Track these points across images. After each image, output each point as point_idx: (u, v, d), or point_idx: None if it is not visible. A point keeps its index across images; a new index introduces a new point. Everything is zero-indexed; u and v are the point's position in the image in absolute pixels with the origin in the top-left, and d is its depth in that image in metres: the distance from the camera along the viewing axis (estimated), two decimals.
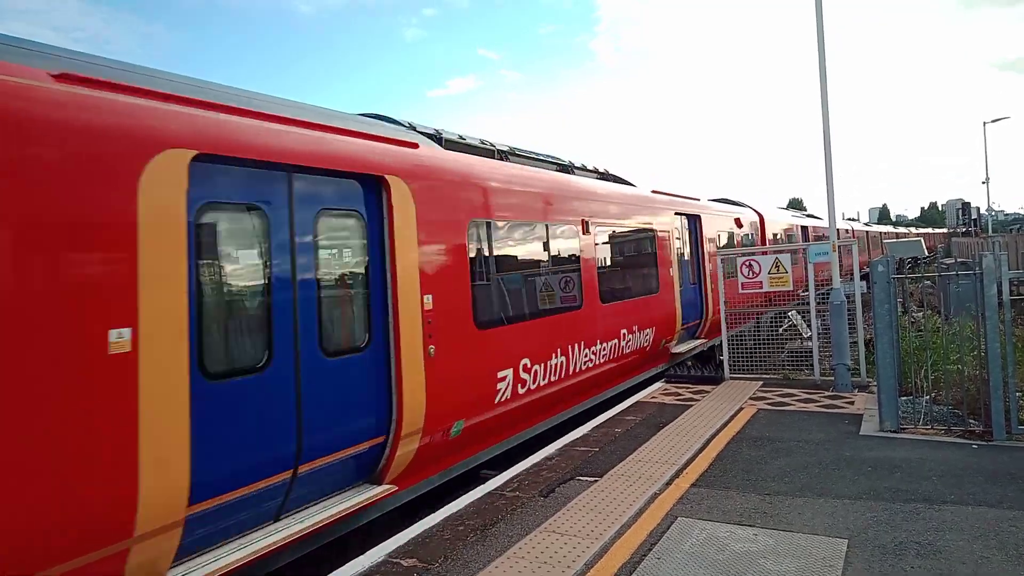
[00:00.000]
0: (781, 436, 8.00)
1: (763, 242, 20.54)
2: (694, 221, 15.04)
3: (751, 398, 10.10)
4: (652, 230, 12.53)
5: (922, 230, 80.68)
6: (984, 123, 50.05)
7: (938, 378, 8.82)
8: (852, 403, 9.50)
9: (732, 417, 9.00)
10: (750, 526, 5.50)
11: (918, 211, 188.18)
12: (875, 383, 8.60)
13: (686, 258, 14.35)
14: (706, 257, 15.06)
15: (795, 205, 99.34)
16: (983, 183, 52.12)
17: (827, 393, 10.18)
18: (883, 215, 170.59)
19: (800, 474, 6.67)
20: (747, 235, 19.04)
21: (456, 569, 4.99)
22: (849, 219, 58.24)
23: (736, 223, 18.02)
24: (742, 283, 11.74)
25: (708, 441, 7.93)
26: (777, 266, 11.36)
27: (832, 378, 10.60)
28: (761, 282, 11.55)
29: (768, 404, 9.70)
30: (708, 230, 15.49)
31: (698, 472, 6.87)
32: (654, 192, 13.49)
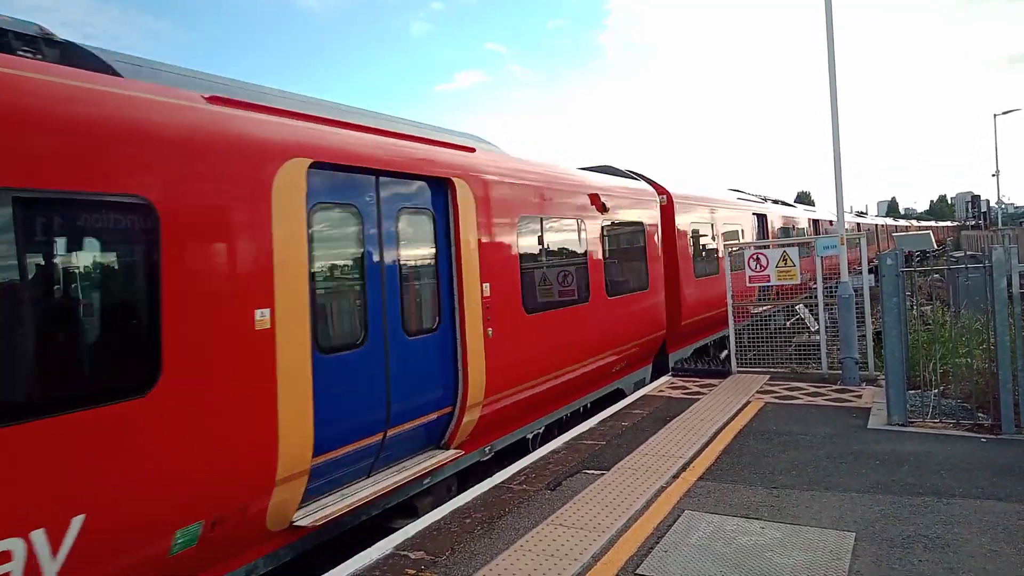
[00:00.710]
0: (788, 430, 7.99)
1: (669, 239, 13.01)
2: (440, 191, 7.03)
3: (758, 392, 10.08)
4: (159, 215, 4.39)
5: (925, 223, 79.64)
6: (995, 115, 49.68)
7: (947, 372, 8.78)
8: (860, 397, 9.47)
9: (739, 411, 8.99)
10: (757, 519, 5.49)
11: (927, 204, 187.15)
12: (883, 377, 8.57)
13: (394, 276, 6.39)
14: (462, 265, 7.07)
15: (802, 199, 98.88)
16: (993, 176, 51.79)
17: (835, 387, 10.15)
18: (892, 208, 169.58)
19: (808, 467, 6.66)
20: (626, 221, 11.27)
21: (463, 561, 5.01)
22: (859, 213, 57.79)
23: (593, 203, 10.09)
24: (749, 276, 11.70)
25: (715, 435, 7.93)
26: (785, 259, 11.31)
27: (840, 372, 10.57)
28: (768, 276, 11.50)
29: (775, 398, 9.67)
30: (489, 212, 7.60)
31: (705, 466, 6.87)
32: (214, 102, 4.99)
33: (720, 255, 14.70)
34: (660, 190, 13.15)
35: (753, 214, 19.01)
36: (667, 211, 13.10)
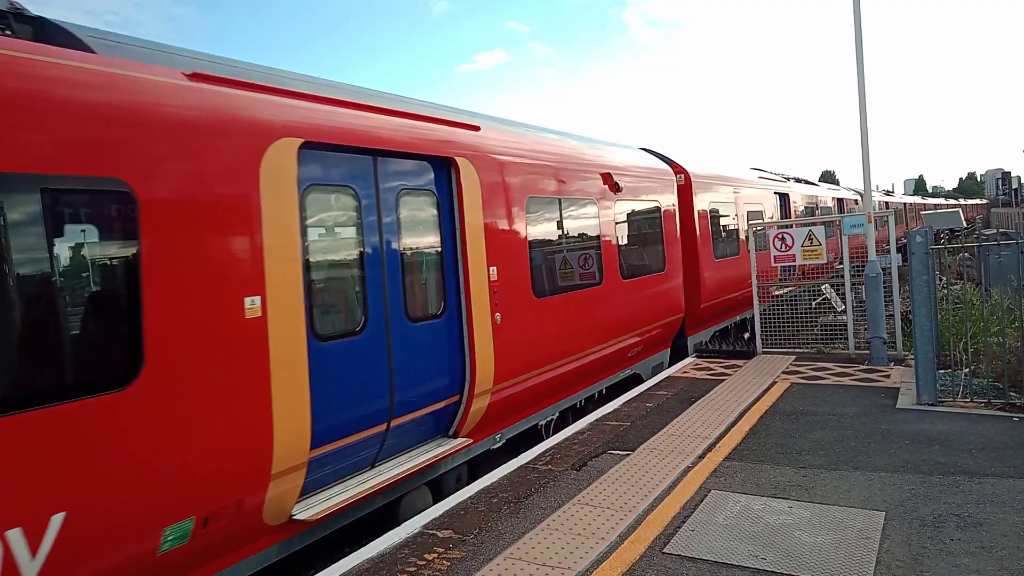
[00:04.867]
0: (815, 410, 7.92)
1: (688, 219, 12.82)
2: (443, 172, 6.82)
3: (784, 372, 10.00)
4: None
5: (937, 200, 77.25)
6: None
7: (978, 350, 8.63)
8: (888, 376, 9.36)
9: (765, 391, 8.93)
10: (785, 499, 5.47)
11: (956, 182, 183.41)
12: (911, 356, 8.46)
13: (395, 260, 6.19)
14: (467, 249, 6.82)
15: (827, 178, 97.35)
16: None
17: (862, 367, 10.04)
18: (919, 186, 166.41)
19: (835, 447, 6.61)
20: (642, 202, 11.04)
21: (490, 540, 5.05)
22: (886, 191, 56.60)
23: (606, 183, 9.82)
24: (774, 256, 11.58)
25: (741, 415, 7.89)
26: (811, 239, 11.17)
27: (867, 352, 10.45)
28: (794, 255, 11.38)
29: (802, 378, 9.59)
30: (497, 195, 7.42)
31: (731, 446, 6.84)
32: (196, 79, 4.74)
33: (742, 236, 14.75)
34: (678, 169, 12.75)
35: (775, 193, 18.89)
36: (684, 191, 12.68)
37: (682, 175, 12.68)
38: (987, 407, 7.57)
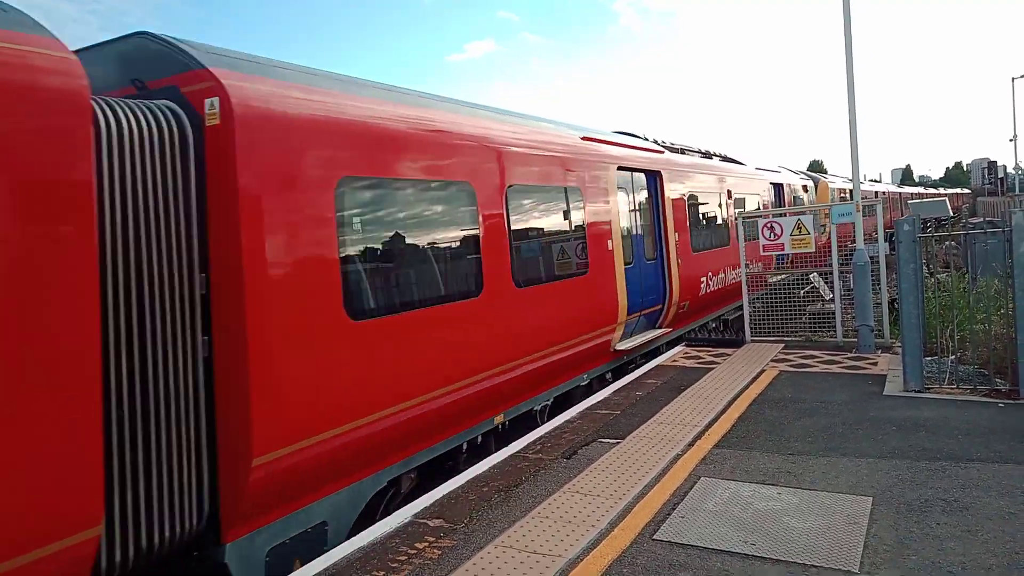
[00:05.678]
0: (804, 397, 7.98)
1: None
2: None
3: (773, 360, 10.06)
4: None
5: (916, 188, 77.22)
6: (1012, 79, 48.75)
7: (964, 338, 8.71)
8: (875, 364, 9.43)
9: (754, 379, 8.98)
10: (774, 485, 5.51)
11: (943, 171, 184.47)
12: (898, 344, 8.52)
13: None
14: None
15: (815, 167, 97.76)
16: (1010, 140, 51.05)
17: (850, 355, 10.11)
18: (906, 176, 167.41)
19: (824, 434, 6.66)
20: None
21: (481, 529, 5.06)
22: (872, 181, 56.89)
23: None
24: (763, 245, 11.62)
25: (730, 403, 7.93)
26: (799, 228, 11.21)
27: (855, 340, 10.52)
28: (783, 244, 11.43)
29: (790, 366, 9.65)
30: None
31: (720, 433, 6.88)
32: None
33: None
34: (207, 85, 4.73)
35: (633, 171, 11.06)
36: (219, 145, 4.70)
37: (214, 100, 4.68)
38: (973, 393, 7.65)
